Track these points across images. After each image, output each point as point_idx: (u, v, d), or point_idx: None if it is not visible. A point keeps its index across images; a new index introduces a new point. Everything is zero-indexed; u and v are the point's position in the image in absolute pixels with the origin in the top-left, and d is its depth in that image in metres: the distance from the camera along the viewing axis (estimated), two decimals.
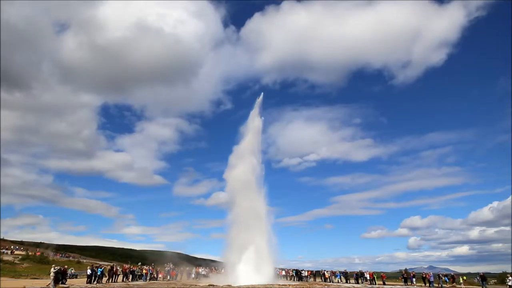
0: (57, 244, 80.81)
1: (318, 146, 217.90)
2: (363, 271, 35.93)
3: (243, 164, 33.43)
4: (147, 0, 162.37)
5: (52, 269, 22.70)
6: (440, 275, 33.12)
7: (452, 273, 34.53)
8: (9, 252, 54.53)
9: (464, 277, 36.35)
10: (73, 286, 22.66)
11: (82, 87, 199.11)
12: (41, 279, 26.09)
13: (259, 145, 35.58)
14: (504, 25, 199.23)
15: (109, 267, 31.28)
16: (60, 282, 22.94)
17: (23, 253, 52.93)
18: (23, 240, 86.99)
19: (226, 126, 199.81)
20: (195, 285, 24.07)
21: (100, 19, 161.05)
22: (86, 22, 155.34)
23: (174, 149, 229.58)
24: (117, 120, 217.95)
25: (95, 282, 25.92)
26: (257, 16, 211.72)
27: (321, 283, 32.78)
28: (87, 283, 25.31)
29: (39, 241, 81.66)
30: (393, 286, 30.74)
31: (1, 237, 76.37)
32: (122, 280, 29.83)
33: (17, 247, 62.97)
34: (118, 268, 31.69)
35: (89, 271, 26.53)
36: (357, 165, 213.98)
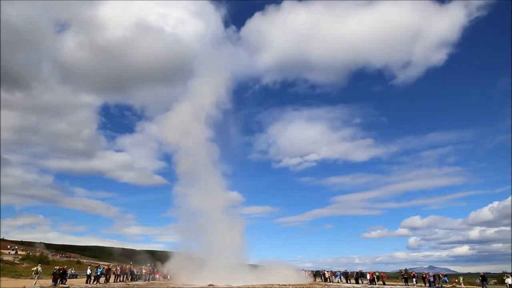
0: (48, 243, 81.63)
1: (319, 146, 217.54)
2: (363, 271, 35.92)
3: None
4: (148, 0, 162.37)
5: (38, 268, 22.76)
6: (440, 275, 33.13)
7: (440, 273, 34.46)
8: (13, 252, 54.76)
9: (462, 277, 36.44)
10: (73, 286, 22.68)
11: (82, 87, 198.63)
12: (41, 279, 26.06)
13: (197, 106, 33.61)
14: (505, 25, 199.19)
15: (106, 267, 31.35)
16: (60, 282, 22.97)
17: (23, 253, 53.06)
18: (23, 240, 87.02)
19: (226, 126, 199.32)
20: (195, 285, 24.07)
21: (100, 19, 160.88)
22: (86, 22, 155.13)
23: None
24: (118, 120, 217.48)
25: (95, 282, 25.95)
26: (257, 16, 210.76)
27: (321, 283, 32.79)
28: (86, 283, 25.35)
29: (31, 241, 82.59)
30: (393, 286, 30.76)
31: (1, 237, 76.56)
32: (122, 280, 29.86)
33: (15, 247, 62.97)
34: (118, 268, 31.70)
35: (88, 271, 26.58)
36: (357, 165, 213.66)
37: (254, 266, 35.35)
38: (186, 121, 32.76)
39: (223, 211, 31.48)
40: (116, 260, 69.70)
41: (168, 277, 34.18)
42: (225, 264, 28.43)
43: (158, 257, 45.21)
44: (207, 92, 34.10)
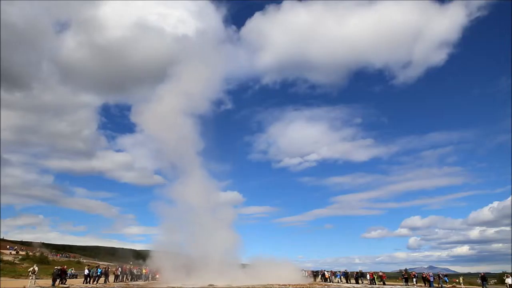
0: (48, 243, 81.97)
1: (319, 146, 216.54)
2: (363, 271, 35.93)
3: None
4: (148, 0, 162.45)
5: (35, 267, 22.69)
6: (440, 275, 33.15)
7: (440, 273, 34.49)
8: (14, 252, 54.87)
9: (462, 277, 36.46)
10: (73, 286, 22.70)
11: (82, 87, 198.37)
12: (41, 279, 26.10)
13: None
14: (505, 25, 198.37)
15: (105, 267, 31.35)
16: (60, 282, 22.98)
17: (23, 253, 53.13)
18: (23, 240, 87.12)
19: (227, 126, 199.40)
20: (195, 286, 24.04)
21: (100, 19, 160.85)
22: (86, 21, 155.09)
23: None
24: (118, 120, 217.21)
25: (95, 282, 25.97)
26: (257, 16, 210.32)
27: (321, 283, 32.81)
28: (83, 283, 25.36)
29: (31, 241, 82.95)
30: (393, 286, 30.78)
31: (1, 237, 76.64)
32: (122, 280, 29.87)
33: (15, 247, 63.04)
34: (119, 268, 31.70)
35: (86, 271, 26.56)
36: (357, 165, 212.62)
37: (249, 265, 34.47)
38: (167, 112, 31.00)
39: (209, 206, 30.74)
40: (116, 260, 69.86)
41: (150, 276, 33.55)
42: (211, 261, 27.63)
43: (142, 255, 44.89)
44: (191, 80, 31.88)
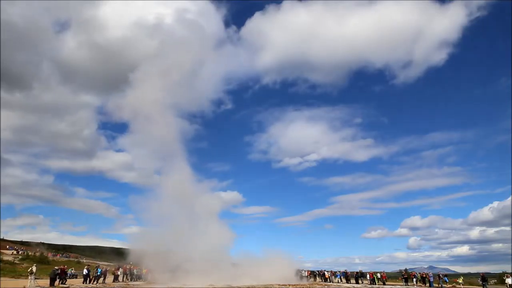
0: (48, 243, 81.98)
1: (319, 146, 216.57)
2: (363, 271, 35.97)
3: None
4: (148, 0, 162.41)
5: (33, 267, 22.70)
6: (440, 275, 33.14)
7: (440, 273, 34.49)
8: (15, 252, 54.90)
9: (462, 277, 36.47)
10: (73, 286, 22.71)
11: (82, 87, 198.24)
12: (41, 279, 26.08)
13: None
14: (505, 25, 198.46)
15: (103, 268, 31.33)
16: (60, 282, 22.98)
17: (23, 253, 53.14)
18: (23, 240, 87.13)
19: (227, 126, 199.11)
20: (195, 286, 24.04)
21: (100, 19, 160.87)
22: (86, 21, 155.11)
23: None
24: (118, 120, 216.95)
25: (95, 282, 25.96)
26: (257, 16, 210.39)
27: (321, 283, 32.83)
28: (83, 283, 25.36)
29: (31, 241, 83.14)
30: (393, 286, 30.78)
31: (1, 237, 76.65)
32: (122, 280, 29.87)
33: (14, 247, 63.04)
34: (120, 269, 31.65)
35: (85, 271, 26.56)
36: (357, 165, 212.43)
37: (239, 264, 33.43)
38: (141, 103, 29.87)
39: (192, 199, 30.19)
40: (116, 260, 69.72)
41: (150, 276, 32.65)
42: (194, 258, 27.08)
43: (122, 253, 44.60)
44: (163, 69, 30.62)
